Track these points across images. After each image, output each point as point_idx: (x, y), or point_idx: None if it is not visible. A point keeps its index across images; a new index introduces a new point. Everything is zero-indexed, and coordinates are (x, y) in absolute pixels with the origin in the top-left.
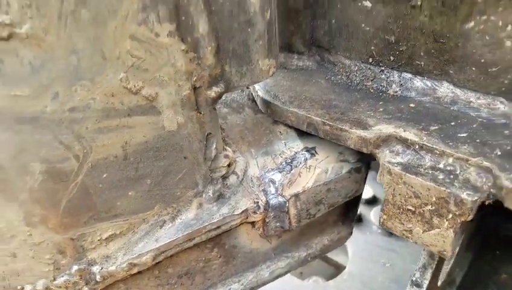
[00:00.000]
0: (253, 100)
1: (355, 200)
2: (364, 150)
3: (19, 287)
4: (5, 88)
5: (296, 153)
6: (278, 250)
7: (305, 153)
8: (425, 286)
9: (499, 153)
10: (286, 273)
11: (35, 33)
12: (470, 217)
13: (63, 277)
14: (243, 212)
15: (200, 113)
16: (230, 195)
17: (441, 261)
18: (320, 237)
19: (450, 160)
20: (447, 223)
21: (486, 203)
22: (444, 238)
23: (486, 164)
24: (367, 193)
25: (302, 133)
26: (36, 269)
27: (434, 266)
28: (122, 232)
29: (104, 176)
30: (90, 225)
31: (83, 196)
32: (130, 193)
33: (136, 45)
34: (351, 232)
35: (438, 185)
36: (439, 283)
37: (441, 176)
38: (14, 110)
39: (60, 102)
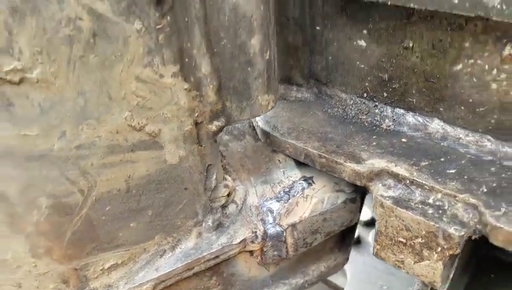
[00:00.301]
0: (254, 128)
1: (351, 228)
2: (358, 183)
3: None
4: (15, 128)
5: (294, 182)
6: (276, 277)
7: (303, 182)
8: None
9: (485, 190)
10: None
11: (45, 77)
12: (458, 251)
13: None
14: (241, 241)
15: (201, 146)
16: (229, 224)
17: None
18: (317, 263)
19: (439, 195)
20: (436, 255)
21: (473, 238)
22: (434, 269)
23: (472, 200)
24: (365, 215)
25: (300, 162)
26: None
27: None
28: (123, 262)
29: (108, 208)
30: (93, 255)
31: (87, 228)
32: (131, 224)
33: (141, 86)
34: (347, 259)
35: (428, 220)
36: None
37: (430, 211)
38: (23, 148)
39: (67, 140)
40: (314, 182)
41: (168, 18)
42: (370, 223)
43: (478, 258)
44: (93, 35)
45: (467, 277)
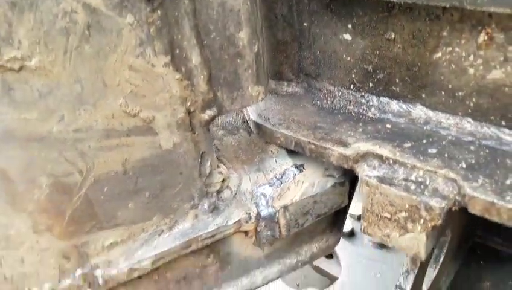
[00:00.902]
0: (247, 123)
1: (342, 211)
2: (345, 166)
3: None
4: (16, 112)
5: (285, 169)
6: (270, 257)
7: (294, 169)
8: (408, 289)
9: (464, 166)
10: (277, 278)
11: (43, 65)
12: (440, 222)
13: (67, 280)
14: (235, 222)
15: (195, 133)
16: (224, 207)
17: (423, 267)
18: (310, 245)
19: (421, 172)
20: (419, 227)
21: (453, 209)
22: (418, 241)
23: (452, 175)
24: (358, 209)
25: (291, 152)
26: (42, 273)
27: (416, 271)
28: (123, 241)
29: (106, 189)
30: (93, 233)
31: (86, 207)
32: (129, 205)
33: (134, 75)
34: (339, 240)
35: (410, 194)
36: (424, 288)
37: (412, 187)
38: (23, 131)
39: (65, 124)
40: (304, 169)
41: (159, 12)
42: None
43: (469, 246)
44: (88, 28)
45: (458, 263)
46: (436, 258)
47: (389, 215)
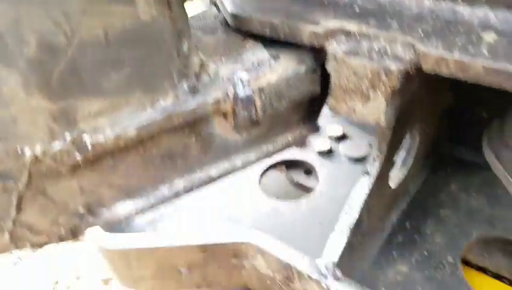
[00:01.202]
0: (226, 24)
1: (316, 105)
2: (316, 43)
3: (19, 149)
4: None
5: (262, 59)
6: (248, 143)
7: (270, 58)
8: (374, 174)
9: (421, 33)
10: (255, 162)
11: None
12: (398, 86)
13: (57, 142)
14: (215, 101)
15: (172, 11)
16: (203, 89)
17: (389, 158)
18: (285, 134)
19: (382, 42)
20: (380, 93)
21: (411, 72)
22: (379, 107)
23: (409, 39)
24: (337, 130)
25: (267, 45)
26: (34, 133)
27: (383, 158)
28: (108, 110)
29: (90, 55)
30: (80, 98)
31: (73, 71)
32: (112, 75)
33: None
34: (311, 132)
35: (372, 62)
36: (392, 186)
37: (374, 55)
38: None
39: None
40: (280, 58)
41: None
42: (341, 138)
43: (438, 157)
44: None
45: (426, 172)
46: (404, 161)
47: (353, 87)
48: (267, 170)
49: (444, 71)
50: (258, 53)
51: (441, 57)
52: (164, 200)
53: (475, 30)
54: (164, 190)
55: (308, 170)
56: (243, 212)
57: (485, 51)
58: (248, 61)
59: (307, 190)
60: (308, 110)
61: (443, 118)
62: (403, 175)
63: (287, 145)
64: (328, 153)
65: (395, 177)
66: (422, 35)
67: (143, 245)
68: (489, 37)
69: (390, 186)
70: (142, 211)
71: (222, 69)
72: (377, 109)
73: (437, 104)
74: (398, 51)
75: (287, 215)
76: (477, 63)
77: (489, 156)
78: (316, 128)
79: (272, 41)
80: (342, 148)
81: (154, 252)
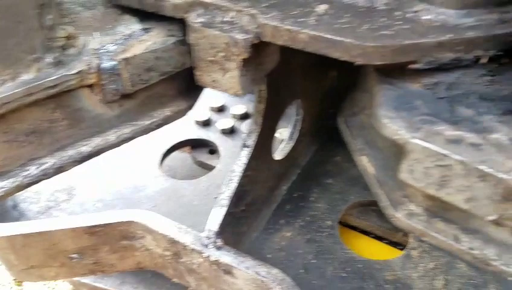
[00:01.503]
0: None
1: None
2: (178, 15)
3: None
4: None
5: (133, 31)
6: (122, 118)
7: (141, 31)
8: (251, 146)
9: (266, 4)
10: (132, 138)
11: None
12: (247, 55)
13: None
14: (77, 72)
15: None
16: (68, 62)
17: (267, 131)
18: (162, 109)
19: (233, 13)
20: (233, 64)
21: (256, 42)
22: (234, 78)
23: (253, 11)
24: (241, 110)
25: (144, 20)
26: None
27: (258, 130)
28: None
29: None
30: None
31: None
32: None
33: None
34: (191, 107)
35: (224, 33)
36: (277, 157)
37: (226, 27)
38: None
39: None
40: (151, 30)
41: None
42: (244, 117)
43: (327, 132)
44: None
45: (316, 145)
46: (291, 136)
47: (213, 58)
48: (170, 151)
49: (279, 41)
50: (131, 26)
51: (276, 27)
52: (33, 180)
53: (312, 3)
54: (32, 170)
55: (213, 150)
56: (142, 194)
57: (312, 21)
58: (119, 34)
59: (210, 169)
60: (188, 83)
61: (329, 95)
62: (290, 148)
63: (166, 120)
64: (231, 132)
65: (282, 151)
66: (266, 5)
67: (26, 231)
68: (321, 8)
69: (274, 158)
70: (10, 192)
71: (92, 42)
72: (233, 80)
73: (321, 81)
74: (244, 23)
75: (187, 194)
76: (302, 31)
77: (341, 125)
78: (194, 103)
79: (148, 16)
80: (244, 126)
81: (39, 238)
